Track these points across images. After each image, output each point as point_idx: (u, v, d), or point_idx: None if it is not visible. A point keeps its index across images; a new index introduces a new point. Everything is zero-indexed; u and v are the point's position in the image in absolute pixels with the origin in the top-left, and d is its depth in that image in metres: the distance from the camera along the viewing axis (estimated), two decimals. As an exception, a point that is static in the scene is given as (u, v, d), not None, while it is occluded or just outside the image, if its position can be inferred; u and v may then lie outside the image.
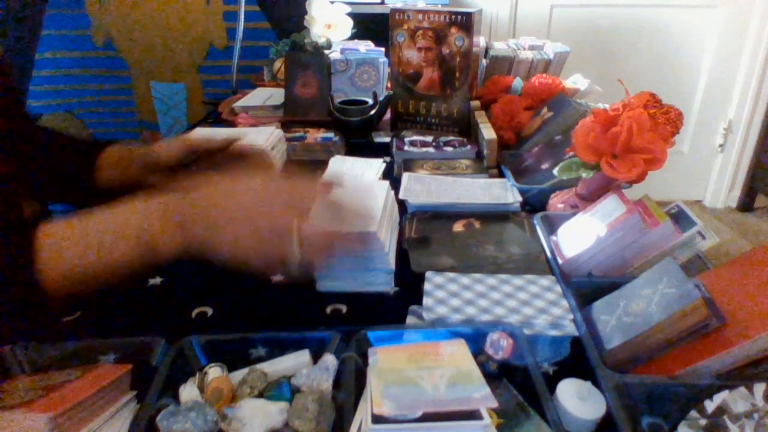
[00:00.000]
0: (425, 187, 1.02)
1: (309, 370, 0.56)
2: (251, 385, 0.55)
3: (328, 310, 0.74)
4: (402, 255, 0.85)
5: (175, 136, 0.82)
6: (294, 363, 0.59)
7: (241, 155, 0.83)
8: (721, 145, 2.88)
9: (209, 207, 0.56)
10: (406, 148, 1.22)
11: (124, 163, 0.83)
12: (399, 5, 1.35)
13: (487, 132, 1.12)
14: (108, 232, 0.55)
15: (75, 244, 0.55)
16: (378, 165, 1.20)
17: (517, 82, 1.36)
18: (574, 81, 1.36)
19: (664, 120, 0.81)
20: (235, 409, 0.52)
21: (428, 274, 0.73)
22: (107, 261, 0.55)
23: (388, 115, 1.43)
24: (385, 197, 0.83)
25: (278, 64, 1.68)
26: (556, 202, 0.94)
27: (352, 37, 1.71)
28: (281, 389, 0.55)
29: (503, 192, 1.01)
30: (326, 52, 1.53)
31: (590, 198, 0.88)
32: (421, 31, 1.26)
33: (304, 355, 0.60)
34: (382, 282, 0.77)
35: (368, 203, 0.73)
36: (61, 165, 0.85)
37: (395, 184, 1.06)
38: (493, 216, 0.94)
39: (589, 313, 0.67)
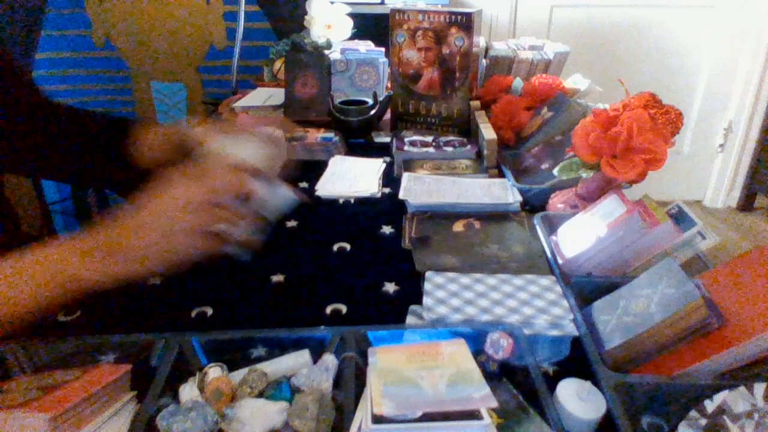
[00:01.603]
0: (425, 187, 1.02)
1: (309, 370, 0.56)
2: (251, 385, 0.55)
3: (328, 310, 0.74)
4: (404, 254, 0.85)
5: (216, 121, 0.83)
6: (294, 363, 0.59)
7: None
8: (721, 146, 2.88)
9: (129, 235, 0.58)
10: (406, 148, 1.22)
11: (163, 143, 0.83)
12: (399, 5, 1.35)
13: (487, 132, 1.12)
14: (34, 279, 0.57)
15: (6, 293, 0.56)
16: (378, 165, 1.20)
17: (517, 82, 1.36)
18: (574, 81, 1.36)
19: (663, 120, 0.81)
20: (235, 409, 0.52)
21: (428, 274, 0.73)
22: (39, 303, 0.57)
23: (388, 115, 1.43)
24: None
25: (278, 64, 1.68)
26: (556, 202, 0.94)
27: (352, 37, 1.71)
28: (281, 389, 0.55)
29: (503, 192, 1.01)
30: (326, 52, 1.53)
31: (590, 198, 0.88)
32: (421, 32, 1.26)
33: (304, 355, 0.60)
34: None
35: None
36: (95, 145, 0.85)
37: (395, 185, 1.07)
38: (493, 216, 0.94)
39: (589, 313, 0.67)
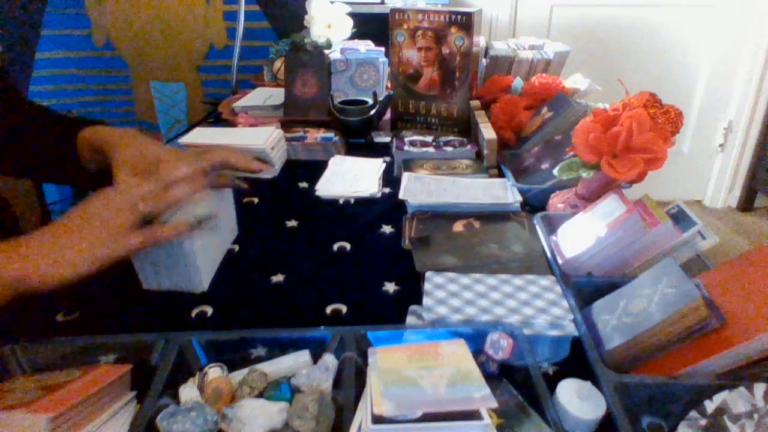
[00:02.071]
0: (425, 187, 1.02)
1: (309, 370, 0.56)
2: (251, 385, 0.55)
3: (328, 310, 0.74)
4: (404, 254, 0.85)
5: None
6: (294, 363, 0.59)
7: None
8: (721, 145, 2.88)
9: (48, 246, 0.60)
10: (406, 148, 1.22)
11: (94, 149, 0.82)
12: (399, 5, 1.35)
13: (487, 132, 1.12)
14: None
15: None
16: (378, 165, 1.20)
17: (517, 82, 1.36)
18: (574, 81, 1.36)
19: (663, 120, 0.81)
20: (235, 409, 0.52)
21: (428, 274, 0.73)
22: None
23: (388, 115, 1.43)
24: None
25: (278, 64, 1.68)
26: (556, 202, 0.94)
27: (352, 37, 1.71)
28: (281, 389, 0.55)
29: (503, 192, 1.01)
30: (326, 52, 1.53)
31: (590, 198, 0.88)
32: (421, 31, 1.26)
33: (304, 355, 0.60)
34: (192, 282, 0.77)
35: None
36: (47, 143, 0.85)
37: (395, 185, 1.07)
38: (493, 216, 0.94)
39: (589, 313, 0.67)
